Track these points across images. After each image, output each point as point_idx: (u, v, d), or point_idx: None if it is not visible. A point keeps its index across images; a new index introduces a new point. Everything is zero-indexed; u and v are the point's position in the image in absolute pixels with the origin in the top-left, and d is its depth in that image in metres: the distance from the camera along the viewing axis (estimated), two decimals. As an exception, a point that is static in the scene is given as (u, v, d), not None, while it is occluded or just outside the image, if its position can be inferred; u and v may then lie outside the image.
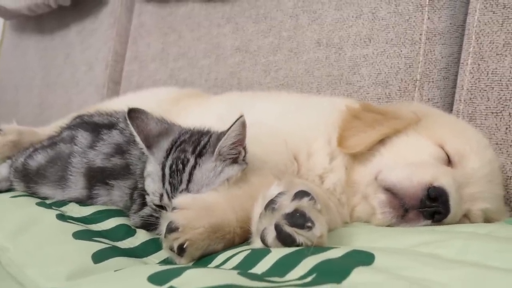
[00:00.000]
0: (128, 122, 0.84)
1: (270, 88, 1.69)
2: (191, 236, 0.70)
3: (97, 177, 0.92)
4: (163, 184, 0.79)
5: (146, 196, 0.83)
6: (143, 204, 0.87)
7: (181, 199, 0.74)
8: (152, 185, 0.80)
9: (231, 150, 0.81)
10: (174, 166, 0.78)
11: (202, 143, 0.82)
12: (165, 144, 0.82)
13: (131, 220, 0.89)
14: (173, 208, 0.73)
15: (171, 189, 0.78)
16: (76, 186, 0.94)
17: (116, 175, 0.91)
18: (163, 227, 0.72)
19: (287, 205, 0.70)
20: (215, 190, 0.79)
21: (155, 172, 0.80)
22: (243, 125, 0.80)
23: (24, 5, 2.72)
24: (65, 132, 1.02)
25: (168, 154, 0.80)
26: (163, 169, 0.79)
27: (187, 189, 0.78)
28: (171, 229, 0.70)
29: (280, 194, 0.73)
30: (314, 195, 0.72)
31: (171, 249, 0.71)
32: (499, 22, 1.19)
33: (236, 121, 0.80)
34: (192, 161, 0.79)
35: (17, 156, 1.06)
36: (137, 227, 0.87)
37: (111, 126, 0.97)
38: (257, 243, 0.72)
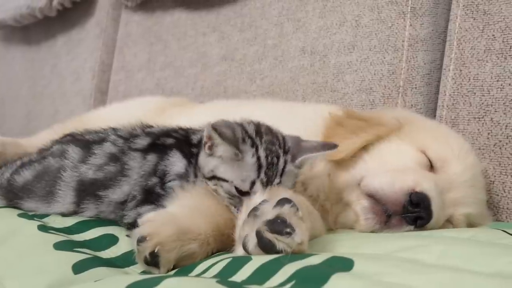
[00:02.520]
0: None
1: (256, 96, 1.69)
2: (160, 239, 0.70)
3: (88, 190, 0.91)
4: (259, 173, 0.81)
5: (223, 183, 0.83)
6: (145, 201, 0.87)
7: (145, 216, 0.76)
8: (238, 173, 0.82)
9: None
10: (269, 159, 0.82)
11: (283, 141, 0.86)
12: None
13: (125, 218, 0.88)
14: (137, 226, 0.74)
15: (267, 180, 0.82)
16: (64, 200, 0.92)
17: (107, 185, 0.90)
18: (134, 245, 0.72)
19: (269, 212, 0.70)
20: (178, 202, 0.82)
21: (249, 162, 0.81)
22: None
23: (10, 16, 2.71)
24: (55, 147, 1.00)
25: (253, 145, 0.83)
26: (258, 159, 0.82)
27: (280, 183, 0.83)
28: (140, 240, 0.71)
29: (263, 201, 0.74)
30: (297, 202, 0.72)
31: (146, 262, 0.71)
32: (479, 28, 1.20)
33: (325, 150, 0.87)
34: (282, 157, 0.84)
35: (4, 171, 1.03)
36: (129, 225, 0.86)
37: (102, 140, 0.96)
38: (239, 251, 0.72)
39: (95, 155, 0.92)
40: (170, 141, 0.92)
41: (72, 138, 1.01)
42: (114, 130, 0.98)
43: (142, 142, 0.93)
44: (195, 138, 0.93)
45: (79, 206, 0.92)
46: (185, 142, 0.92)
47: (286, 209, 0.70)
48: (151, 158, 0.90)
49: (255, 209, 0.73)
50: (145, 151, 0.91)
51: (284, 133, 0.90)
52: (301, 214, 0.70)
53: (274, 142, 0.85)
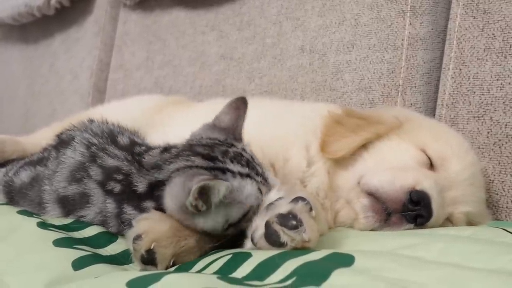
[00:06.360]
0: None
1: (255, 95, 1.69)
2: (155, 235, 0.70)
3: (69, 207, 0.85)
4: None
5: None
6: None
7: (139, 216, 0.75)
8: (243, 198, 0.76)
9: None
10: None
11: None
12: None
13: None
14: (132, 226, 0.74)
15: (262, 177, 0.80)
16: (54, 212, 0.88)
17: (77, 205, 0.83)
18: (130, 244, 0.72)
19: (283, 206, 0.71)
20: None
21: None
22: None
23: (8, 15, 2.70)
24: (45, 152, 0.95)
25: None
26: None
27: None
28: (135, 238, 0.71)
29: (279, 198, 0.74)
30: (311, 202, 0.72)
31: (143, 260, 0.70)
32: (479, 27, 1.20)
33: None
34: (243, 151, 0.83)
35: (11, 168, 1.00)
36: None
37: (67, 143, 0.88)
38: (248, 243, 0.73)
39: (62, 163, 0.84)
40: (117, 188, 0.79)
41: (57, 140, 0.92)
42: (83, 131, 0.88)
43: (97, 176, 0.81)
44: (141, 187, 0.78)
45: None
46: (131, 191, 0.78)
47: (299, 206, 0.70)
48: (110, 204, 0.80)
49: (270, 204, 0.74)
50: (106, 192, 0.80)
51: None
52: (314, 214, 0.71)
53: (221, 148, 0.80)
